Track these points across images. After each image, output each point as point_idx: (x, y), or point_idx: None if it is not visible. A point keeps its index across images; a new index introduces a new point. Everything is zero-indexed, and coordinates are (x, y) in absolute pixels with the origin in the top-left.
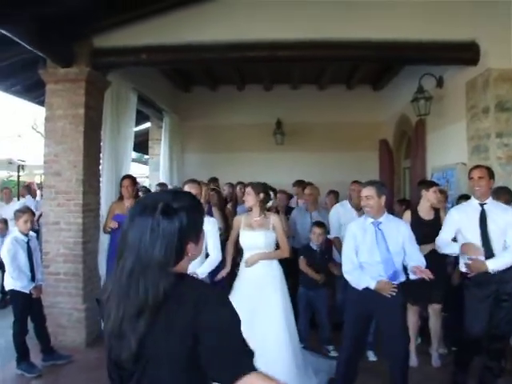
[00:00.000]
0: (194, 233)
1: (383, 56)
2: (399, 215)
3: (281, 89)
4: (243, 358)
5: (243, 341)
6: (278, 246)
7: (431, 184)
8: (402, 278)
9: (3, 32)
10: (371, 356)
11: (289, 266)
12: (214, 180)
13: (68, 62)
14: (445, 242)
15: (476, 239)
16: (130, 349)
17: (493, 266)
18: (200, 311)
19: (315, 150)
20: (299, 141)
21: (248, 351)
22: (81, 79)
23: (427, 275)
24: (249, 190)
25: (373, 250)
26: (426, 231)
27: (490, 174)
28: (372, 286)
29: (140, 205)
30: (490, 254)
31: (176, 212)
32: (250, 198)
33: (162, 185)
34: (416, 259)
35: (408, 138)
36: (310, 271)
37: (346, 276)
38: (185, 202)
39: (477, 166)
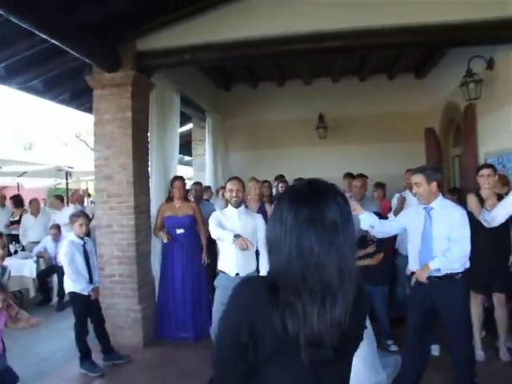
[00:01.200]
0: None
1: (428, 40)
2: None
3: (321, 82)
4: None
5: None
6: None
7: (479, 168)
8: (461, 265)
9: (53, 42)
10: (435, 350)
11: None
12: (281, 177)
13: (113, 66)
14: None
15: None
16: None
17: None
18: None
19: (359, 142)
20: (342, 134)
21: None
22: (126, 83)
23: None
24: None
25: (418, 233)
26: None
27: None
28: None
29: (304, 187)
30: None
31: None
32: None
33: (197, 184)
34: (449, 251)
35: (456, 125)
36: (365, 260)
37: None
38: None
39: None
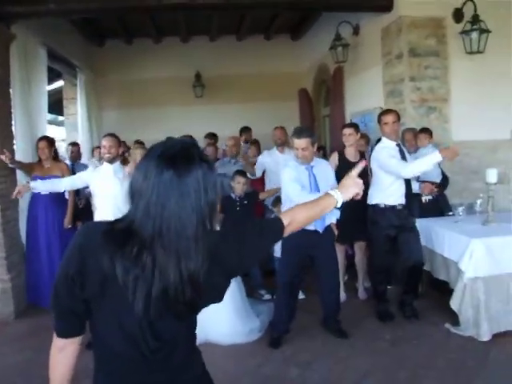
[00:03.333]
0: None
1: (300, 3)
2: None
3: (199, 40)
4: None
5: None
6: None
7: (343, 126)
8: (333, 220)
9: None
10: (300, 295)
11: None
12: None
13: None
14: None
15: None
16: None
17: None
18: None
19: (236, 101)
20: (219, 93)
21: None
22: None
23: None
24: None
25: (305, 190)
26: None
27: (399, 117)
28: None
29: (176, 145)
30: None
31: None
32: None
33: (74, 144)
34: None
35: (327, 86)
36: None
37: (300, 198)
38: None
39: (389, 111)
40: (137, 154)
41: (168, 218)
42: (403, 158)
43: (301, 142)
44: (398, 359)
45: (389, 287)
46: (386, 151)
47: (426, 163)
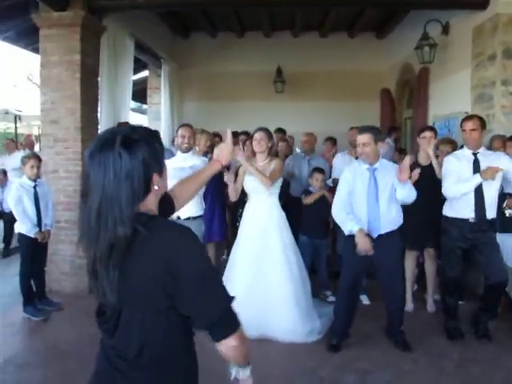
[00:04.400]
0: (157, 163)
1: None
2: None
3: (282, 36)
4: (229, 313)
5: (224, 289)
6: (282, 193)
7: (421, 130)
8: (398, 224)
9: None
10: (365, 300)
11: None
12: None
13: (62, 5)
14: (453, 185)
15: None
16: (104, 292)
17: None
18: (176, 253)
19: (316, 98)
20: (300, 89)
21: (230, 299)
22: (75, 24)
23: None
24: (262, 135)
25: (363, 195)
26: (423, 176)
27: (483, 125)
28: (354, 231)
29: (98, 140)
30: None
31: (136, 142)
32: (263, 144)
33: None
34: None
35: (411, 87)
36: (317, 194)
37: (335, 217)
38: (143, 132)
39: (469, 117)
40: (201, 140)
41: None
42: (476, 169)
43: (361, 137)
44: (463, 382)
45: (460, 303)
46: (449, 163)
47: (467, 187)
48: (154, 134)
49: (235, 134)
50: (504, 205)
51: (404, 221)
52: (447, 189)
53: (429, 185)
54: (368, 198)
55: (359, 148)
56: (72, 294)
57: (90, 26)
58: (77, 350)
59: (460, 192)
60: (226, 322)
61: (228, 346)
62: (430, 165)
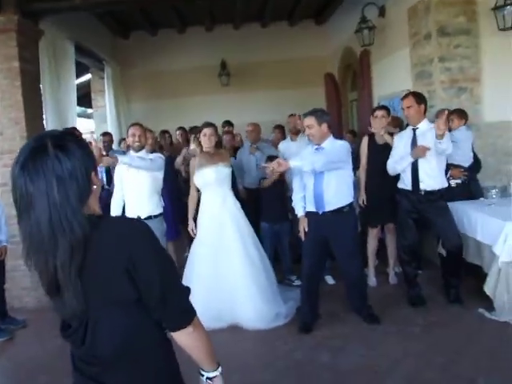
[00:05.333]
0: (92, 161)
1: None
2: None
3: (223, 29)
4: (187, 302)
5: (180, 279)
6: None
7: (373, 109)
8: (347, 201)
9: None
10: (330, 280)
11: (244, 207)
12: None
13: None
14: (394, 161)
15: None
16: (70, 304)
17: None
18: (135, 246)
19: (262, 88)
20: (245, 81)
21: (188, 289)
22: (10, 29)
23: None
24: (212, 130)
25: (310, 173)
26: (380, 154)
27: (418, 100)
28: (298, 215)
29: (26, 151)
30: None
31: (69, 142)
32: (213, 139)
33: (106, 134)
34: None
35: (353, 70)
36: (273, 177)
37: (292, 199)
38: (67, 133)
39: (405, 96)
40: (149, 138)
41: (36, 223)
42: (414, 145)
43: (305, 120)
44: (431, 345)
45: (419, 272)
46: (394, 142)
47: (402, 165)
48: (75, 134)
49: (185, 130)
50: (448, 175)
51: (366, 199)
52: (388, 166)
53: (386, 163)
54: (315, 176)
55: (306, 130)
56: (35, 309)
57: (26, 31)
58: (46, 365)
59: (396, 170)
60: (183, 311)
61: (187, 333)
62: (386, 143)
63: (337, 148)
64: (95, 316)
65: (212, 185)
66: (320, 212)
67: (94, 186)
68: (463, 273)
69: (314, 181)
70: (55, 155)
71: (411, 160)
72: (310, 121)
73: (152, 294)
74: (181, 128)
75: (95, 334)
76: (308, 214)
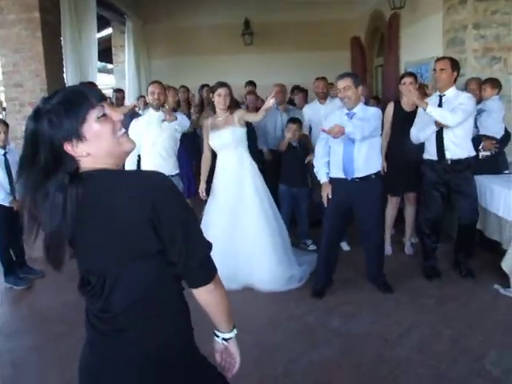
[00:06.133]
0: (70, 131)
1: None
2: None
3: None
4: (209, 259)
5: (201, 232)
6: (250, 142)
7: (402, 76)
8: (376, 169)
9: None
10: (345, 246)
11: (264, 167)
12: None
13: None
14: (418, 129)
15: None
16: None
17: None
18: (155, 196)
19: (285, 49)
20: (268, 41)
21: (210, 244)
22: None
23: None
24: (227, 91)
25: (339, 139)
26: (406, 122)
27: (453, 66)
28: (321, 181)
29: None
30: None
31: (43, 113)
32: (228, 99)
33: (119, 90)
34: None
35: (381, 34)
36: (286, 140)
37: (314, 165)
38: (54, 101)
39: (441, 58)
40: (169, 96)
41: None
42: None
43: (341, 82)
44: (443, 317)
45: (438, 245)
46: (419, 109)
47: (425, 132)
48: (67, 100)
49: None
50: (480, 147)
51: (387, 167)
52: (411, 134)
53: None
54: (344, 141)
55: (340, 93)
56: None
57: None
58: (62, 315)
59: (419, 138)
60: (206, 267)
61: (208, 290)
62: (414, 111)
63: (374, 115)
64: (115, 271)
65: (229, 146)
66: (349, 178)
67: (74, 154)
68: (475, 248)
69: (343, 146)
70: (28, 125)
71: (435, 128)
72: (347, 82)
73: (175, 246)
74: (206, 85)
75: (114, 289)
76: (333, 180)
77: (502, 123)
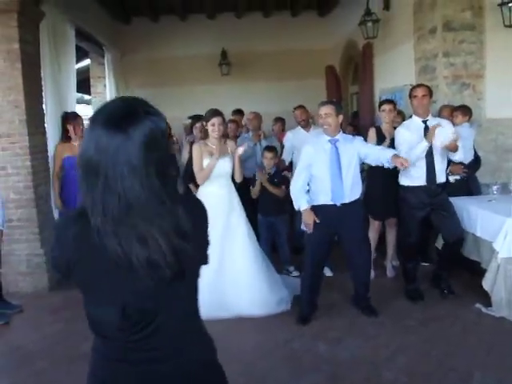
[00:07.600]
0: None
1: None
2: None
3: (225, 17)
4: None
5: None
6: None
7: (381, 103)
8: (359, 193)
9: None
10: (328, 272)
11: (241, 197)
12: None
13: None
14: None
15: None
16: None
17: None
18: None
19: (262, 79)
20: (245, 71)
21: None
22: (11, 9)
23: (404, 163)
24: (221, 120)
25: (325, 165)
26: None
27: (431, 92)
28: (302, 208)
29: (117, 117)
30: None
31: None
32: (222, 128)
33: None
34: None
35: (355, 63)
36: (271, 186)
37: (291, 193)
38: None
39: (419, 85)
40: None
41: (130, 188)
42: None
43: (323, 109)
44: (428, 338)
45: (425, 264)
46: (399, 134)
47: (415, 153)
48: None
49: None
50: (447, 171)
51: (368, 192)
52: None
53: None
54: (331, 167)
55: (321, 119)
56: (31, 294)
57: (28, 12)
58: (43, 350)
59: (411, 160)
60: None
61: None
62: (392, 138)
63: (361, 141)
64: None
65: (226, 175)
66: (338, 204)
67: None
68: (457, 267)
69: (330, 172)
70: (146, 118)
71: (427, 144)
72: (329, 109)
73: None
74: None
75: (162, 330)
76: (319, 207)
77: (472, 149)
